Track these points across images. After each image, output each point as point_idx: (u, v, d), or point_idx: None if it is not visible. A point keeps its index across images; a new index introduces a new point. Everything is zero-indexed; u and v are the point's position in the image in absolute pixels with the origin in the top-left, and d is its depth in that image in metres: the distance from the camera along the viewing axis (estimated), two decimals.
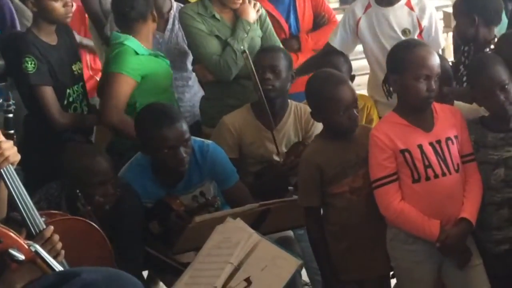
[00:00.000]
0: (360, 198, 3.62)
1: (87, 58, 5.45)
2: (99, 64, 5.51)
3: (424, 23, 4.69)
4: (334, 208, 3.65)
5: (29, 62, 4.21)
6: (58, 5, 4.26)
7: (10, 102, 3.84)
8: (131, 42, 4.31)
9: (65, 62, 4.39)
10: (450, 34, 6.53)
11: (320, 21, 5.04)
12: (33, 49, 4.23)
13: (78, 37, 5.13)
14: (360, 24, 4.69)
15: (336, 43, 4.73)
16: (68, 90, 4.36)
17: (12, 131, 3.79)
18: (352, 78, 4.37)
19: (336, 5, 10.23)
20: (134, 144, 4.11)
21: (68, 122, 4.32)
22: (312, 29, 5.05)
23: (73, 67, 4.43)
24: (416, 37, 4.59)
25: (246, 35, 4.45)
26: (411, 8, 4.66)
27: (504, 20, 4.70)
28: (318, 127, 3.97)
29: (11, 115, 3.83)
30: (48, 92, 4.25)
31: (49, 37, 4.33)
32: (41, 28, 4.30)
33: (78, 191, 3.63)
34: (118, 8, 4.47)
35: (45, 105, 4.25)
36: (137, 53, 4.30)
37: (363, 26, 4.68)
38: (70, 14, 4.35)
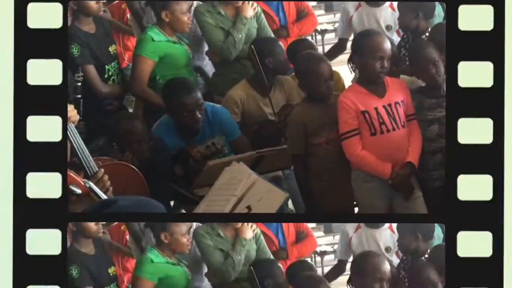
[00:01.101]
0: (334, 148, 3.98)
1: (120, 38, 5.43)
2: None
3: None
4: (315, 155, 4.03)
5: (74, 48, 4.48)
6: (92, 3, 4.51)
7: (80, 74, 4.25)
8: (151, 31, 4.57)
9: (102, 45, 4.61)
10: None
11: (301, 13, 5.18)
12: (75, 38, 4.47)
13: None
14: (352, 20, 4.74)
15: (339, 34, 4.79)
16: (106, 67, 4.62)
17: (79, 96, 4.24)
18: None
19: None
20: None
21: (108, 91, 4.60)
22: (296, 20, 5.16)
23: (109, 48, 4.66)
24: (395, 32, 4.66)
25: (243, 27, 4.67)
26: (393, 9, 4.73)
27: None
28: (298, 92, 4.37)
29: (79, 84, 4.26)
30: (91, 69, 4.55)
31: (88, 27, 4.58)
32: (81, 21, 4.55)
33: (114, 144, 3.97)
34: None
35: (89, 79, 4.53)
36: (153, 40, 4.53)
37: (355, 22, 4.73)
38: (102, 9, 4.58)
